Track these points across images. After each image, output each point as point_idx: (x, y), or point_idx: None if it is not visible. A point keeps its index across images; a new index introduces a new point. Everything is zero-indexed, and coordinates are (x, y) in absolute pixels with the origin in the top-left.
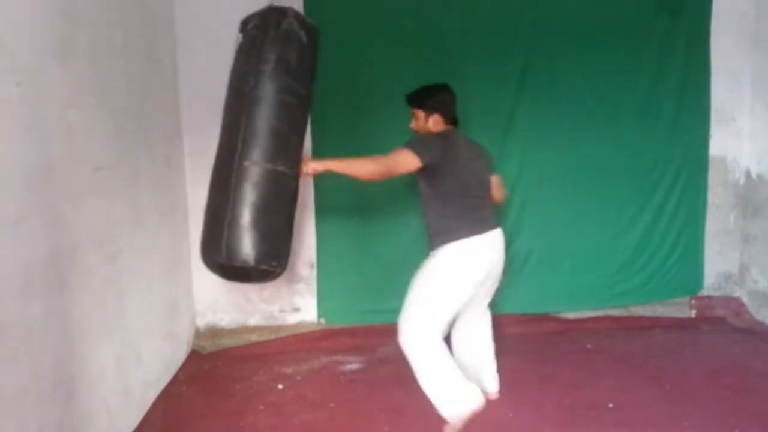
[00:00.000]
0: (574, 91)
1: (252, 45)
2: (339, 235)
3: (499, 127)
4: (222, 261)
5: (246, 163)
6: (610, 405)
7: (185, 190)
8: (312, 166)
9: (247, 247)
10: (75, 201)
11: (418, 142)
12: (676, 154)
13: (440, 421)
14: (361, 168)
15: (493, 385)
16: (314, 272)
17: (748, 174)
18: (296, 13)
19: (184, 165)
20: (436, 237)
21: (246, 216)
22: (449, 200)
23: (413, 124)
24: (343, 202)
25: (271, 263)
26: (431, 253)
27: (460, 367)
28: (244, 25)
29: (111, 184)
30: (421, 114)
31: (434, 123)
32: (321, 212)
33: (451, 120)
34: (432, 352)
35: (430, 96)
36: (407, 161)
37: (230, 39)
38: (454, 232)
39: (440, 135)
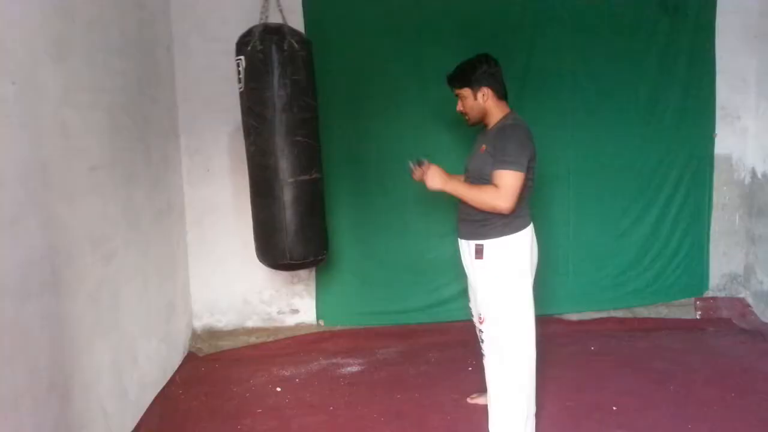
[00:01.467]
0: (577, 90)
1: (263, 70)
2: (338, 236)
3: None
4: (286, 262)
5: (290, 180)
6: (614, 408)
7: (182, 190)
8: (434, 183)
9: (303, 247)
10: (70, 200)
11: (515, 153)
12: (681, 153)
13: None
14: (478, 199)
15: None
16: (313, 273)
17: (753, 173)
18: (291, 30)
19: (180, 164)
20: (493, 226)
21: (298, 223)
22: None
23: (460, 107)
24: (342, 202)
25: (322, 253)
26: (486, 243)
27: None
28: (243, 47)
29: (107, 183)
30: (467, 92)
31: (484, 98)
32: None
33: (502, 93)
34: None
35: (474, 69)
36: (516, 184)
37: (228, 37)
38: (520, 220)
39: (518, 123)
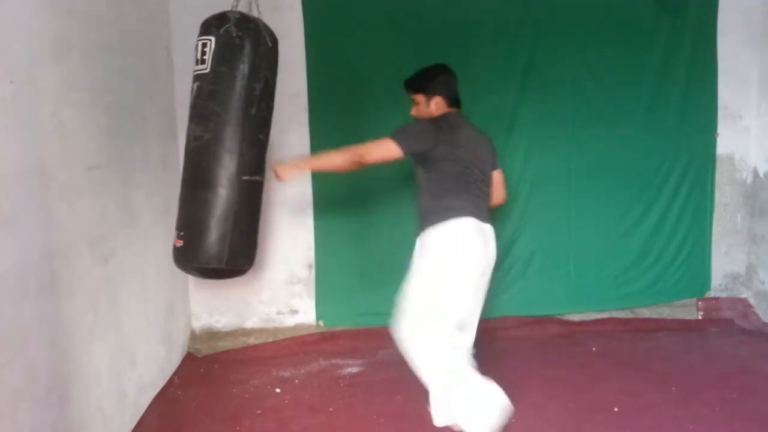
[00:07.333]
0: (578, 90)
1: (236, 58)
2: (337, 236)
3: (502, 125)
4: (201, 265)
5: (245, 178)
6: (616, 409)
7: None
8: (288, 173)
9: (223, 251)
10: (68, 200)
11: (402, 131)
12: (683, 152)
13: (440, 427)
14: (331, 161)
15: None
16: (312, 273)
17: (755, 173)
18: (266, 26)
19: (179, 164)
20: (429, 217)
21: (241, 225)
22: (447, 182)
23: (414, 111)
24: (341, 202)
25: (243, 265)
26: (421, 235)
27: None
28: (214, 28)
29: (105, 183)
30: (422, 98)
31: (437, 106)
32: (319, 213)
33: (454, 101)
34: (442, 363)
35: (431, 78)
36: (384, 149)
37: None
38: (450, 211)
39: (435, 120)
